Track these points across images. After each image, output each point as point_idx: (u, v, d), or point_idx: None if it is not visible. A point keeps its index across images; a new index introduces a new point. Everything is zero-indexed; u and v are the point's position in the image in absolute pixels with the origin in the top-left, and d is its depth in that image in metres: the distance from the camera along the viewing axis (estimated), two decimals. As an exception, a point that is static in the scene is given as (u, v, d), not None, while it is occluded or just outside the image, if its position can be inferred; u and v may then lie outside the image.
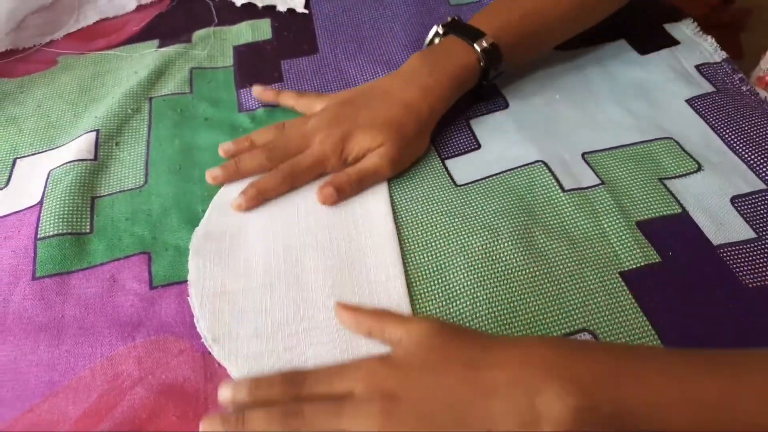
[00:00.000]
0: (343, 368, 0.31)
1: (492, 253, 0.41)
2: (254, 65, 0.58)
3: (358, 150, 0.45)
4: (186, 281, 0.40)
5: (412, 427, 0.27)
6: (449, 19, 0.50)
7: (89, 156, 0.48)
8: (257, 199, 0.44)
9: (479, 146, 0.49)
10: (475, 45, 0.47)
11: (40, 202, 0.45)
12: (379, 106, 0.46)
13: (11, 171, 0.49)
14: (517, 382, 0.27)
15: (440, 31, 0.50)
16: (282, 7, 0.64)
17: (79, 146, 0.49)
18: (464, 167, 0.47)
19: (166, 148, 0.50)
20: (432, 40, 0.51)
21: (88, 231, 0.44)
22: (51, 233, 0.42)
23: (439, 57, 0.48)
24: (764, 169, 0.44)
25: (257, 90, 0.53)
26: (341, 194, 0.44)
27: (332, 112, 0.47)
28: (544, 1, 0.50)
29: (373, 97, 0.47)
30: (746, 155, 0.45)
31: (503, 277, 0.40)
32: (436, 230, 0.43)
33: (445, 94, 0.47)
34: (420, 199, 0.45)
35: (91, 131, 0.50)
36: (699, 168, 0.45)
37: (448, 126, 0.50)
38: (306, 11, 0.64)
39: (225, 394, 0.31)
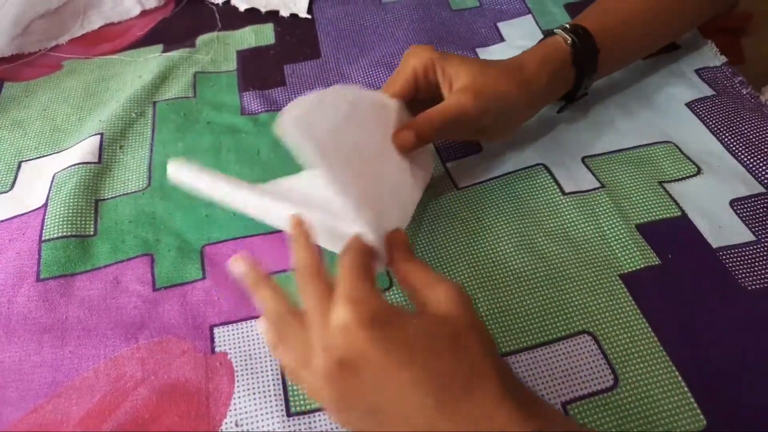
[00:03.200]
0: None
1: (493, 255, 0.41)
2: (257, 69, 0.58)
3: (449, 71, 0.41)
4: (187, 283, 0.41)
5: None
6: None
7: (93, 159, 0.49)
8: None
9: (480, 149, 0.49)
10: (557, 29, 0.45)
11: (45, 205, 0.45)
12: (486, 64, 0.43)
13: (16, 174, 0.50)
14: None
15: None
16: (285, 12, 0.65)
17: (83, 149, 0.49)
18: (465, 170, 0.47)
19: (170, 151, 0.50)
20: None
21: (92, 233, 0.44)
22: (55, 235, 0.43)
23: (530, 51, 0.45)
24: (763, 173, 0.44)
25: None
26: (420, 138, 0.39)
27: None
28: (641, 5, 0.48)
29: (482, 61, 0.44)
30: (745, 158, 0.46)
31: (504, 279, 0.40)
32: (437, 232, 0.43)
33: (533, 67, 0.43)
34: (421, 202, 0.45)
35: (96, 135, 0.51)
36: (698, 171, 0.45)
37: (449, 129, 0.50)
38: (309, 16, 0.65)
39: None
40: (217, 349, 0.37)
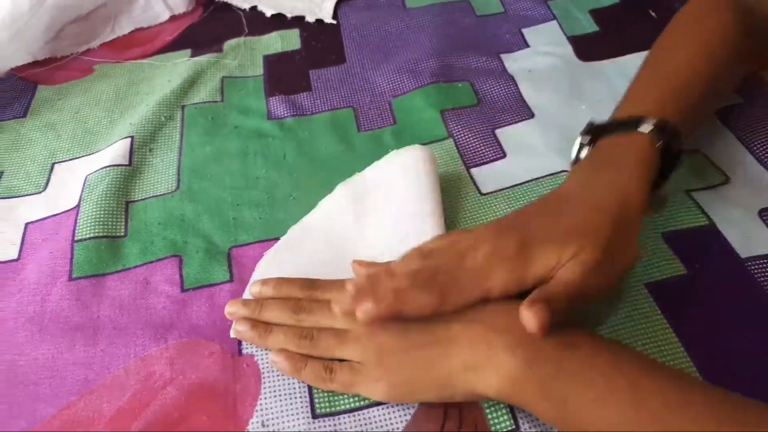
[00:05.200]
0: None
1: None
2: (283, 74, 0.59)
3: (544, 267, 0.32)
4: (215, 284, 0.41)
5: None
6: (586, 126, 0.40)
7: (124, 162, 0.50)
8: (391, 309, 0.31)
9: (504, 155, 0.49)
10: (640, 129, 0.37)
11: (77, 206, 0.47)
12: (560, 214, 0.35)
13: (49, 175, 0.51)
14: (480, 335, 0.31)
15: (584, 142, 0.40)
16: (311, 18, 0.65)
17: (114, 152, 0.50)
18: (489, 176, 0.47)
19: (198, 155, 0.51)
20: (578, 156, 0.40)
21: (122, 234, 0.45)
22: (87, 236, 0.44)
23: (604, 158, 0.38)
24: (794, 182, 0.44)
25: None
26: (553, 317, 0.30)
27: (498, 224, 0.35)
28: (694, 63, 0.42)
29: (549, 207, 0.36)
30: (775, 168, 0.45)
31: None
32: None
33: (633, 187, 0.35)
34: (445, 207, 0.45)
35: (126, 137, 0.52)
36: (726, 180, 0.45)
37: (473, 134, 0.51)
38: (334, 22, 0.65)
39: (254, 288, 0.39)
40: (244, 351, 0.38)
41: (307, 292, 0.38)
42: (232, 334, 0.38)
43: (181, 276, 0.42)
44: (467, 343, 0.31)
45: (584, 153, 0.40)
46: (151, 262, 0.43)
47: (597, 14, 0.62)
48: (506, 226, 0.35)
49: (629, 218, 0.34)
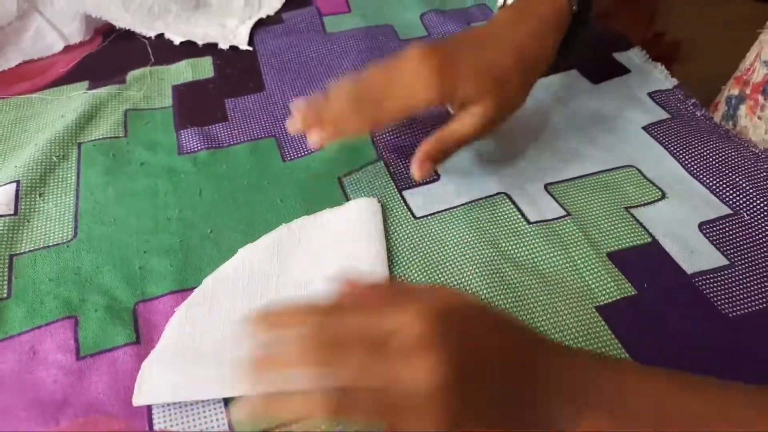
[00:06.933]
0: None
1: (456, 287, 0.38)
2: (195, 105, 0.54)
3: (460, 98, 0.39)
4: (117, 348, 0.35)
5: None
6: None
7: (8, 211, 0.43)
8: (332, 134, 0.39)
9: (438, 177, 0.46)
10: None
11: (-52, 266, 0.39)
12: (484, 48, 0.40)
13: None
14: None
15: None
16: (224, 45, 0.61)
17: (-4, 200, 0.44)
18: (423, 199, 0.45)
19: (98, 197, 0.45)
20: (505, 2, 0.46)
21: (5, 296, 0.38)
22: (-41, 301, 0.37)
23: (528, 8, 0.43)
24: (726, 194, 0.44)
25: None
26: (436, 163, 0.42)
27: (432, 44, 0.40)
28: None
29: (475, 39, 0.41)
30: (707, 180, 0.45)
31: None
32: (395, 264, 0.40)
33: (549, 41, 0.42)
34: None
35: (11, 183, 0.45)
36: (663, 195, 0.44)
37: (404, 157, 0.48)
38: (250, 48, 0.61)
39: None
40: (156, 427, 0.32)
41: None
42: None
43: (76, 341, 0.35)
44: None
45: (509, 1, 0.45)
46: (40, 326, 0.36)
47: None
48: (433, 48, 0.39)
49: (534, 69, 0.41)
